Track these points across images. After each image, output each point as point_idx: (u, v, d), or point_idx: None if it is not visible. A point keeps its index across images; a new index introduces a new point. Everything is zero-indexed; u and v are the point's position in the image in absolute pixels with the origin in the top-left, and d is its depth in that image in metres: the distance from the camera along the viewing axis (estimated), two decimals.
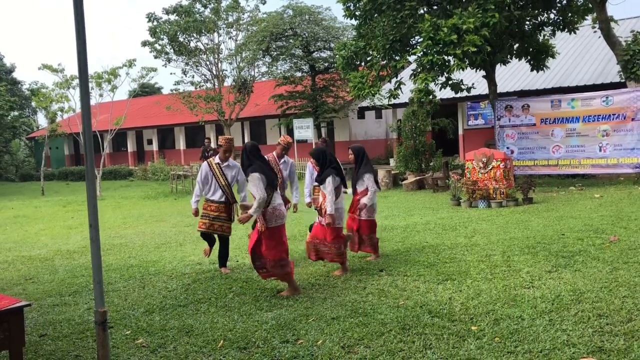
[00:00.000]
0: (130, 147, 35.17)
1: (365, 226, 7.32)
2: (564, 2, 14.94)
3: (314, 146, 8.90)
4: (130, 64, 23.20)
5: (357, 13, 15.30)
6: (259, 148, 6.14)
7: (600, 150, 14.13)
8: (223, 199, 7.11)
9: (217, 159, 7.16)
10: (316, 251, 6.78)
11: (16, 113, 36.82)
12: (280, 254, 5.92)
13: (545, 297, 5.24)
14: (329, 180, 6.50)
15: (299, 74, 25.37)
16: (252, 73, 26.21)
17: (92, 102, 23.44)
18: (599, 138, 14.12)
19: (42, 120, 47.31)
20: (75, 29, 3.52)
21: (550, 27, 15.59)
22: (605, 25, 14.27)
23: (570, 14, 15.03)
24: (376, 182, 7.36)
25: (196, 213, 7.35)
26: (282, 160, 7.78)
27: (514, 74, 21.05)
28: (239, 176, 7.15)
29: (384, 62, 15.28)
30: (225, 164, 7.12)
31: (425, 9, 14.79)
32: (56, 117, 26.69)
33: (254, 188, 5.72)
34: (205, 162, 7.22)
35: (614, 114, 13.94)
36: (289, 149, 7.86)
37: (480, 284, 5.85)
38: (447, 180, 15.08)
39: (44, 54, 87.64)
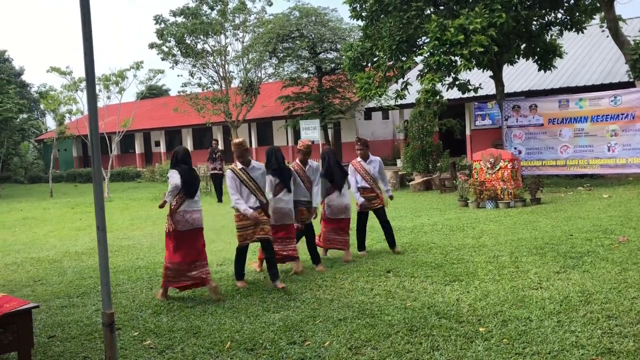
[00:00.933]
0: (138, 148, 35.29)
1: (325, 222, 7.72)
2: (572, 1, 14.86)
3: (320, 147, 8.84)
4: (138, 66, 23.30)
5: (363, 14, 15.30)
6: (190, 154, 6.42)
7: (608, 150, 14.05)
8: (258, 204, 6.46)
9: (239, 164, 6.53)
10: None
11: (25, 115, 37.06)
12: (186, 257, 6.07)
13: (554, 298, 5.22)
14: (267, 179, 6.79)
15: (305, 75, 25.38)
16: (259, 74, 26.25)
17: (100, 104, 23.59)
18: (607, 138, 14.04)
19: (50, 122, 47.59)
20: (82, 31, 3.54)
21: (557, 27, 15.52)
22: (613, 25, 14.19)
23: (577, 14, 14.95)
24: (339, 185, 7.56)
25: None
26: (308, 166, 7.25)
27: (521, 74, 20.97)
28: (263, 177, 6.70)
29: (391, 62, 15.26)
30: (250, 166, 6.52)
31: (431, 10, 14.77)
32: (64, 120, 26.84)
33: (171, 180, 6.04)
34: (230, 170, 6.52)
35: (622, 114, 13.85)
36: (311, 152, 7.37)
37: (488, 285, 5.83)
38: (454, 181, 15.04)
39: (52, 57, 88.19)
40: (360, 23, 16.00)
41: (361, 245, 7.97)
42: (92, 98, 3.66)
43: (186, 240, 6.07)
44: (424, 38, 14.75)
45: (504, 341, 4.29)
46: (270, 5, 26.60)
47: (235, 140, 6.66)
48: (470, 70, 13.66)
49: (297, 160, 7.34)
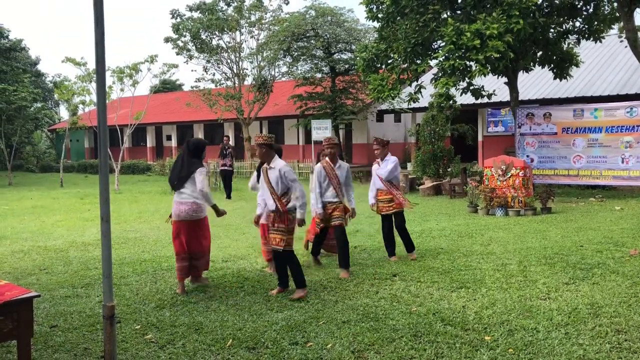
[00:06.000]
0: (150, 142, 35.44)
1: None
2: (590, 10, 14.69)
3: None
4: (152, 59, 23.35)
5: (379, 15, 15.20)
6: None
7: (622, 162, 13.87)
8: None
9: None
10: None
11: (39, 105, 37.25)
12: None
13: (562, 309, 5.13)
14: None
15: (319, 75, 25.33)
16: (273, 72, 26.24)
17: (114, 96, 23.65)
18: (621, 149, 13.87)
19: (63, 112, 47.92)
20: (94, 21, 3.51)
21: (575, 35, 15.34)
22: (632, 35, 13.99)
23: (596, 23, 14.77)
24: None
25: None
26: (337, 165, 7.12)
27: (536, 82, 20.79)
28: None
29: (405, 65, 15.15)
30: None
31: (448, 13, 14.65)
32: (77, 110, 26.98)
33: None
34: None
35: (638, 126, 13.67)
36: (338, 145, 7.61)
37: (495, 293, 5.75)
38: (464, 187, 14.93)
39: (68, 48, 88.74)
40: (376, 24, 15.90)
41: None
42: (102, 90, 3.63)
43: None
44: (439, 42, 14.63)
45: (509, 351, 4.22)
46: (287, 3, 26.59)
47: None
48: (485, 75, 13.52)
49: (327, 159, 7.07)
